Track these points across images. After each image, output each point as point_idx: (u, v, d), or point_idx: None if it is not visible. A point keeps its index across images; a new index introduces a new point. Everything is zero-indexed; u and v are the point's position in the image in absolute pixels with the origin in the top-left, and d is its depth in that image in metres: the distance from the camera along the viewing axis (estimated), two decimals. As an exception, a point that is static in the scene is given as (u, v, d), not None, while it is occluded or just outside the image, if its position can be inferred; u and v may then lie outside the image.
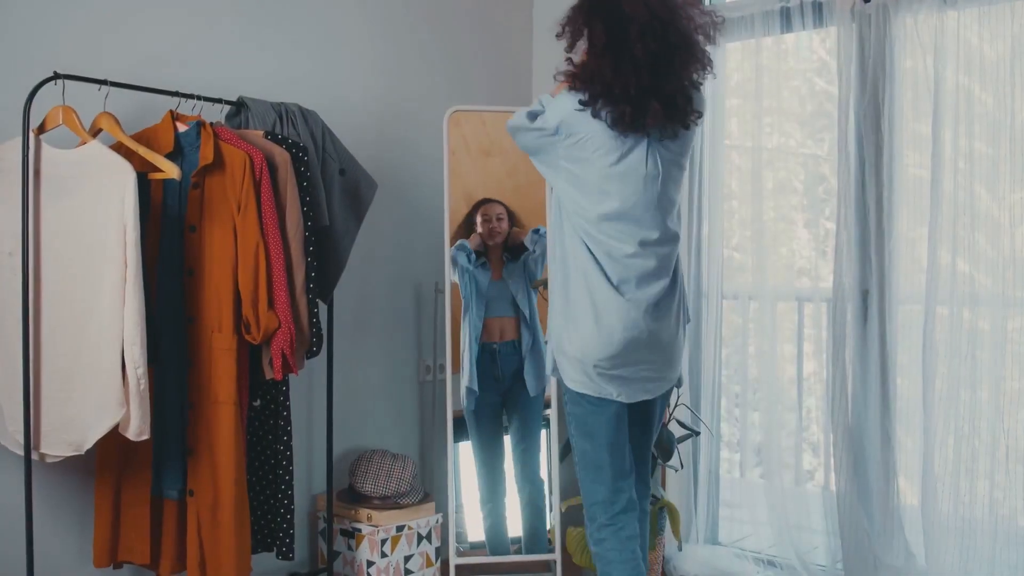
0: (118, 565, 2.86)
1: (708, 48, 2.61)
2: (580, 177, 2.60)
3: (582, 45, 2.59)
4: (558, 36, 2.65)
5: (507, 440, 3.79)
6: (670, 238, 2.65)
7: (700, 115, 2.64)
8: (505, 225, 3.72)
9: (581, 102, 2.55)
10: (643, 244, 2.59)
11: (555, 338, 2.71)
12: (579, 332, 2.62)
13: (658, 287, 2.62)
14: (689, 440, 3.77)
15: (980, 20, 3.18)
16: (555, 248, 2.73)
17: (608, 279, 2.59)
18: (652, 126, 2.53)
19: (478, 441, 3.73)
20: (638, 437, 2.82)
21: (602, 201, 2.57)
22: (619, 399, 2.65)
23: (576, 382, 2.66)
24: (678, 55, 2.53)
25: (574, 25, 2.60)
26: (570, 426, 2.76)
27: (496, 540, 3.74)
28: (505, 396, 3.74)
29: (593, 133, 2.55)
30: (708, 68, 2.63)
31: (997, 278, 3.18)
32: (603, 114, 2.53)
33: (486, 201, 3.73)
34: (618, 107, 2.50)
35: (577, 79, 2.59)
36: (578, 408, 2.70)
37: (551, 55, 4.30)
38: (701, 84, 2.65)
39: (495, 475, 3.76)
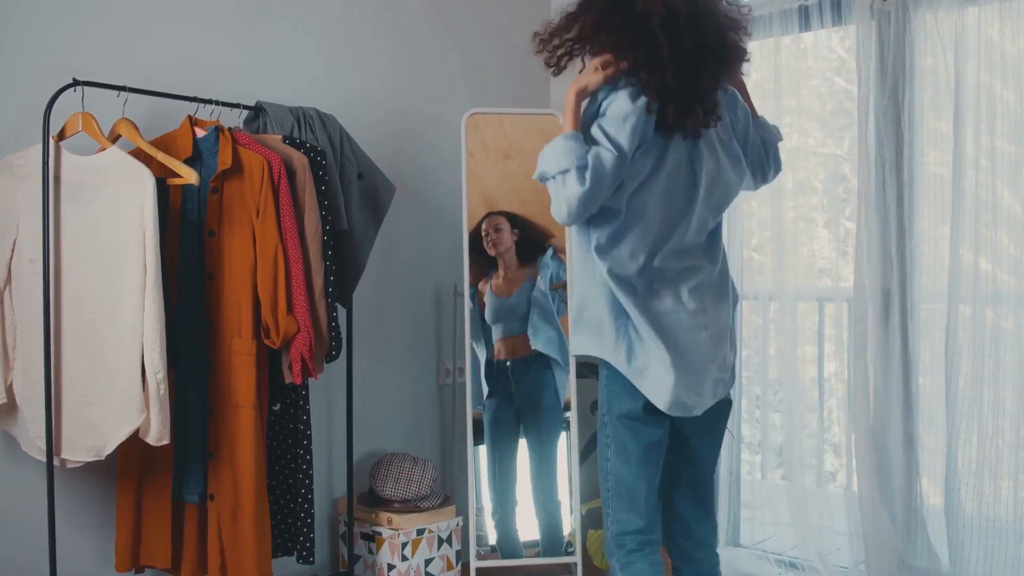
0: (140, 569, 2.87)
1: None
2: None
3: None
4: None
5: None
6: None
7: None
8: (506, 236, 3.70)
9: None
10: None
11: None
12: None
13: None
14: (710, 442, 3.75)
15: (1001, 16, 3.15)
16: None
17: None
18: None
19: (491, 452, 3.73)
20: None
21: None
22: None
23: None
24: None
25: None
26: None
27: (507, 546, 3.71)
28: (519, 413, 3.72)
29: None
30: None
31: (1020, 277, 3.15)
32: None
33: (489, 214, 3.73)
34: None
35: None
36: None
37: (568, 56, 4.31)
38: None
39: (506, 485, 3.73)
